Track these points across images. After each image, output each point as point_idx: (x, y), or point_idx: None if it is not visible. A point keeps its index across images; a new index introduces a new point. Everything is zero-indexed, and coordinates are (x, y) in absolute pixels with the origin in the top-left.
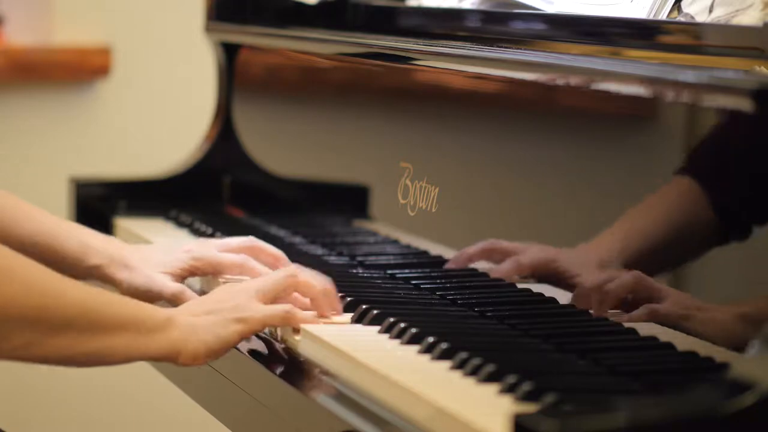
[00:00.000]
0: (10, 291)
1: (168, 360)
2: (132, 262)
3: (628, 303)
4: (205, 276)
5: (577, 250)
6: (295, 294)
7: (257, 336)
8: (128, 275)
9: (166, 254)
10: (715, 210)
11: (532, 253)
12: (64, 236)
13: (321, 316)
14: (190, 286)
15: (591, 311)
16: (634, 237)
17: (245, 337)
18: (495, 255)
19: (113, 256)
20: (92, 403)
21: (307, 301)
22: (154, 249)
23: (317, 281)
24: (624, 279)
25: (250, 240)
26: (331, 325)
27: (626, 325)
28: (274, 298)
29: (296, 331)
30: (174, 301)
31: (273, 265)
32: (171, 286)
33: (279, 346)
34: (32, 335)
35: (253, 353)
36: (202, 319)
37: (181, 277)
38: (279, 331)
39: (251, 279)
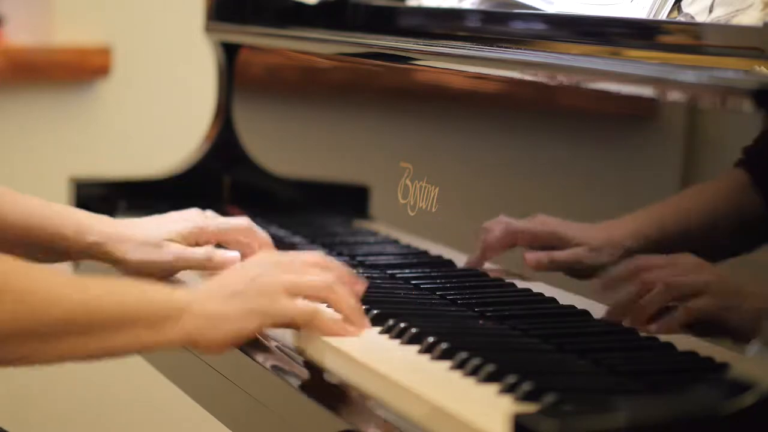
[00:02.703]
0: (5, 308)
1: (186, 347)
2: (130, 235)
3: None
4: (207, 244)
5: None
6: None
7: (257, 335)
8: (129, 249)
9: (164, 224)
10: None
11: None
12: (57, 218)
13: (357, 328)
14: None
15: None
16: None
17: (265, 329)
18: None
19: (110, 233)
20: (92, 403)
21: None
22: (149, 220)
23: (351, 293)
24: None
25: (246, 221)
26: None
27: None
28: (304, 297)
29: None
30: (205, 266)
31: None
32: (198, 251)
33: (278, 345)
34: (35, 345)
35: (253, 353)
36: (222, 308)
37: (186, 244)
38: (279, 331)
39: (284, 263)
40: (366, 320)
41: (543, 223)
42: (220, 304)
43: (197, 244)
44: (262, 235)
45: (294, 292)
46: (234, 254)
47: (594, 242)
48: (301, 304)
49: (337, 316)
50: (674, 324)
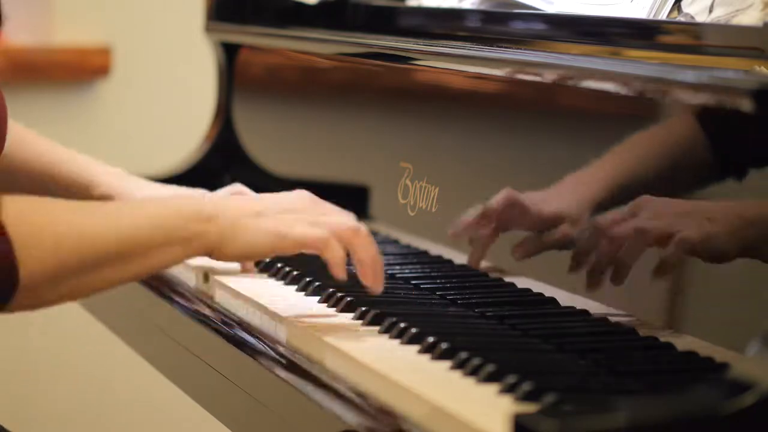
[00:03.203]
0: (42, 251)
1: (204, 255)
2: (135, 192)
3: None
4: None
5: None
6: None
7: (257, 336)
8: None
9: (171, 188)
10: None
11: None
12: (76, 168)
13: (366, 281)
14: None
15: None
16: (626, 170)
17: (278, 252)
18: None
19: (117, 188)
20: (92, 403)
21: None
22: (159, 185)
23: (375, 253)
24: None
25: (235, 187)
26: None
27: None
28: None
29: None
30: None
31: None
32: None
33: (279, 345)
34: (73, 282)
35: (254, 352)
36: (243, 221)
37: None
38: (278, 330)
39: (318, 201)
40: (382, 279)
41: (508, 198)
42: (243, 217)
43: None
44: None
45: (316, 225)
46: None
47: (566, 208)
48: (317, 232)
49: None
50: (666, 266)
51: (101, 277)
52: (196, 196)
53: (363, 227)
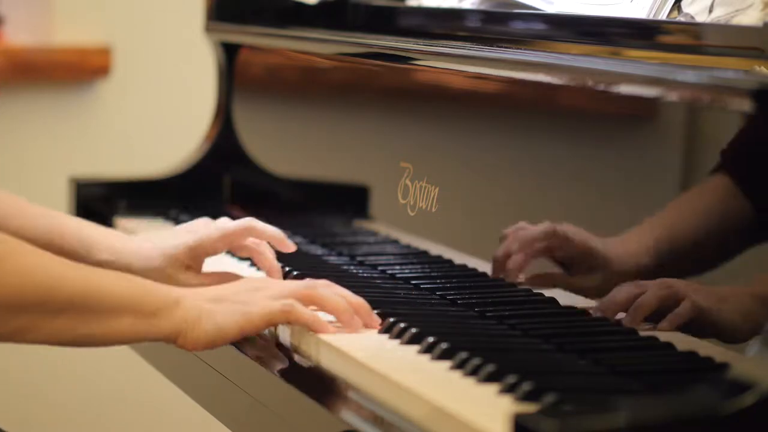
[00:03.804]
0: (6, 277)
1: (168, 342)
2: (138, 252)
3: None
4: (215, 253)
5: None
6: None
7: (254, 336)
8: (141, 266)
9: (170, 238)
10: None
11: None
12: (62, 232)
13: (348, 328)
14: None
15: (616, 319)
16: (665, 237)
17: (246, 333)
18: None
19: (120, 251)
20: (92, 403)
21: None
22: (156, 235)
23: (341, 298)
24: (655, 292)
25: (247, 221)
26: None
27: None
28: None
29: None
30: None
31: (274, 246)
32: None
33: (279, 346)
34: (30, 319)
35: (253, 353)
36: (209, 305)
37: (194, 255)
38: (278, 331)
39: (273, 281)
40: (358, 321)
41: (556, 234)
42: (208, 303)
43: (205, 254)
44: (269, 229)
45: (276, 297)
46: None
47: (611, 259)
48: (279, 302)
49: (312, 312)
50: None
51: (57, 324)
52: (164, 285)
53: (310, 282)
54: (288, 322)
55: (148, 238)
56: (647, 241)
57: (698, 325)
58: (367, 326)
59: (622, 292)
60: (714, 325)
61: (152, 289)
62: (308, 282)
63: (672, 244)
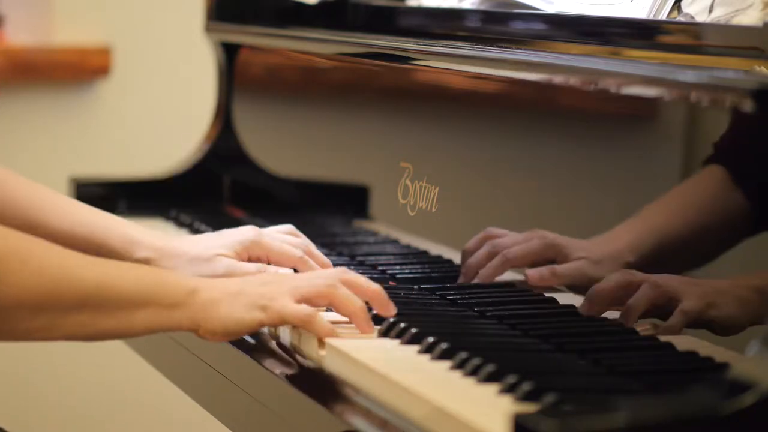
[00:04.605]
0: (22, 276)
1: (188, 331)
2: (180, 250)
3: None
4: (258, 261)
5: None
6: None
7: (257, 335)
8: (179, 264)
9: (215, 239)
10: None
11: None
12: (104, 230)
13: (361, 331)
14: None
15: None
16: (652, 233)
17: (264, 326)
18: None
19: (162, 248)
20: (92, 403)
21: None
22: (201, 236)
23: (359, 300)
24: (645, 292)
25: (301, 243)
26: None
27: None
28: (308, 300)
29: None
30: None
31: None
32: (249, 266)
33: (279, 346)
34: (48, 317)
35: (253, 352)
36: (227, 298)
37: (239, 259)
38: (278, 331)
39: (297, 275)
40: (371, 325)
41: (543, 237)
42: (226, 294)
43: (249, 259)
44: (321, 258)
45: (297, 296)
46: (286, 271)
47: (596, 256)
48: (299, 307)
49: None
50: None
51: (76, 320)
52: (181, 275)
53: (333, 279)
54: (303, 328)
55: (191, 238)
56: (646, 240)
57: (695, 323)
58: (382, 314)
59: (610, 282)
60: (709, 321)
61: (170, 280)
62: (329, 278)
63: (671, 244)
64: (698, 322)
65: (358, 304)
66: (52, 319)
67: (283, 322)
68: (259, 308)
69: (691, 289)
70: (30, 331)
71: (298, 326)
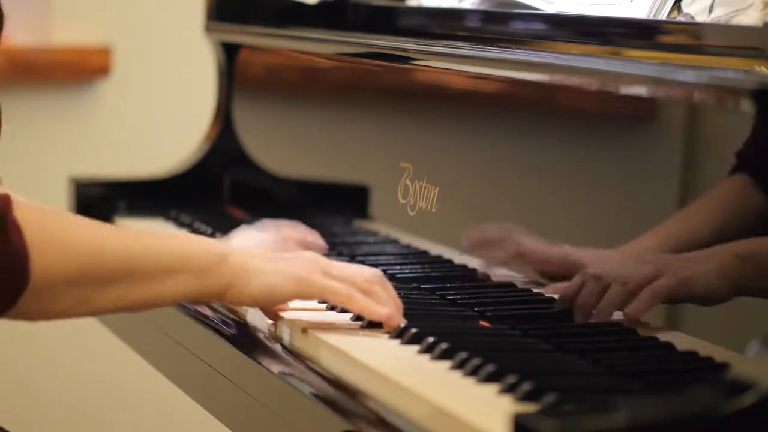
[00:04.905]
0: (50, 257)
1: (216, 297)
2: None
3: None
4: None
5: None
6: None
7: (257, 335)
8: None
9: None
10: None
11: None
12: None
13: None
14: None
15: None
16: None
17: (297, 298)
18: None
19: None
20: (92, 403)
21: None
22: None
23: (374, 307)
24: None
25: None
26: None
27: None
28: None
29: (304, 331)
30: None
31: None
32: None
33: (279, 346)
34: (80, 295)
35: (253, 352)
36: (261, 264)
37: None
38: (278, 331)
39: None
40: (401, 321)
41: (553, 247)
42: (260, 262)
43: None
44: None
45: (338, 279)
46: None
47: (609, 271)
48: (339, 283)
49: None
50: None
51: (108, 294)
52: (212, 240)
53: (373, 279)
54: (341, 306)
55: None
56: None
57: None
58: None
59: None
60: (692, 292)
61: (200, 247)
62: (369, 276)
63: (671, 243)
64: (675, 299)
65: (393, 308)
66: (84, 295)
67: (323, 295)
68: (295, 280)
69: (664, 267)
70: (66, 308)
71: (337, 303)
